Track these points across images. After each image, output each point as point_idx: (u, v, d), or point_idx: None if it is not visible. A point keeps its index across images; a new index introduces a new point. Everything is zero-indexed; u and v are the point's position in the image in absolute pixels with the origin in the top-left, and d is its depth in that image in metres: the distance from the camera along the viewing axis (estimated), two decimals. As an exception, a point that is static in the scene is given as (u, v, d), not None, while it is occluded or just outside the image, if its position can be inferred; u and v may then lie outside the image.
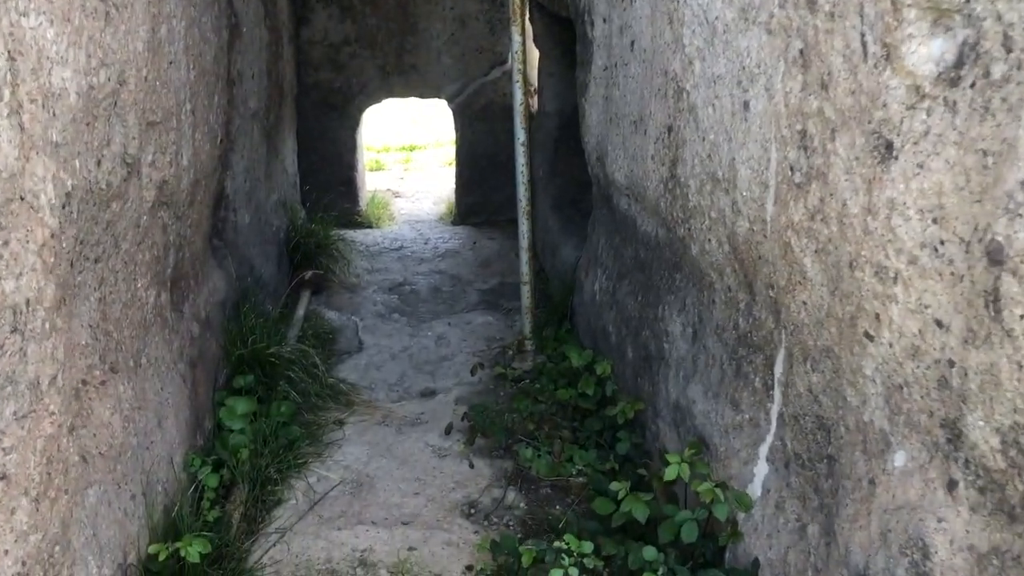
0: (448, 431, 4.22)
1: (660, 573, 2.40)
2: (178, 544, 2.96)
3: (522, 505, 3.75)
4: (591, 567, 2.49)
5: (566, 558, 2.48)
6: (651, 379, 3.58)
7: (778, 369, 2.60)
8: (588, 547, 2.52)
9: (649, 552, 2.49)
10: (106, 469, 2.85)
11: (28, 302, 2.07)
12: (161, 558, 2.89)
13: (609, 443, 3.87)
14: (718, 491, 2.59)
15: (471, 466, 3.93)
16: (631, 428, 3.69)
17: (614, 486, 2.94)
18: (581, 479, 3.89)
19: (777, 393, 2.61)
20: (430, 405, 4.58)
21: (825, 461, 2.33)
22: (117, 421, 3.00)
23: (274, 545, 3.50)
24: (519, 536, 3.55)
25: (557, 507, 3.75)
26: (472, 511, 3.71)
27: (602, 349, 4.32)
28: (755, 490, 2.68)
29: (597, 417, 4.00)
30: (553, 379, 4.52)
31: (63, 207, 2.50)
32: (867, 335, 2.02)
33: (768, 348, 2.65)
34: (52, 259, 2.21)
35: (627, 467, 3.60)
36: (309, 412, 4.42)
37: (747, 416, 2.79)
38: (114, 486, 2.88)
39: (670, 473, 2.76)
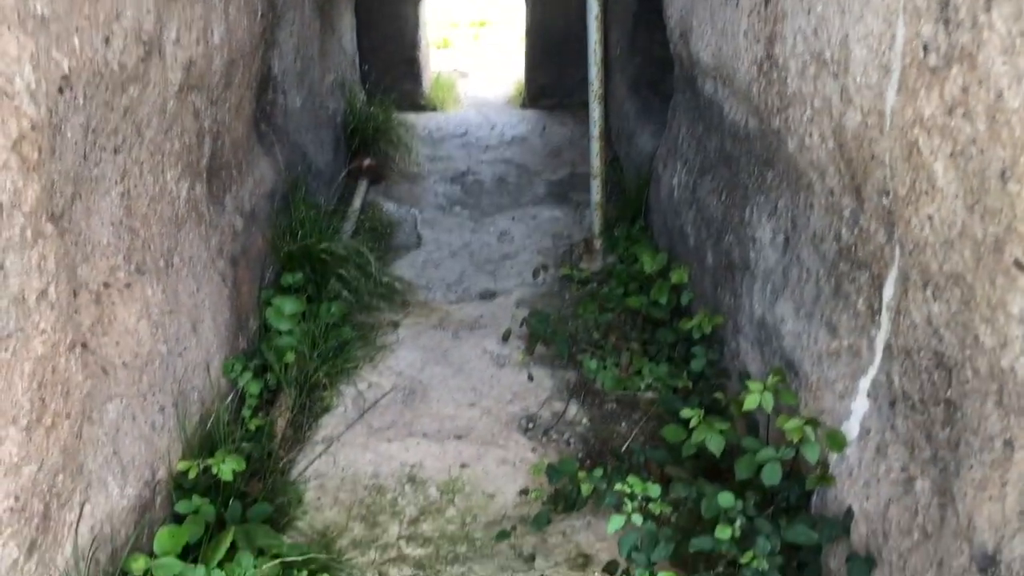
0: (507, 337, 3.92)
1: (738, 525, 2.09)
2: (210, 461, 2.76)
3: (584, 421, 3.46)
4: (657, 513, 2.19)
5: (629, 503, 2.18)
6: (733, 290, 3.19)
7: (888, 292, 2.19)
8: (655, 490, 2.21)
9: (725, 499, 2.17)
10: (130, 381, 2.63)
11: (1, 206, 1.77)
12: (191, 476, 2.70)
13: (682, 357, 3.52)
14: (808, 429, 2.23)
15: (530, 378, 3.64)
16: (708, 343, 3.33)
17: (686, 413, 2.60)
18: (649, 394, 3.57)
19: (885, 320, 2.21)
20: (489, 308, 4.28)
21: (942, 406, 1.94)
22: (144, 327, 2.76)
23: (319, 456, 3.29)
24: (580, 455, 3.28)
25: (623, 424, 3.45)
26: (530, 426, 3.43)
27: (678, 252, 3.91)
28: (851, 429, 2.31)
29: (670, 328, 3.64)
30: (623, 283, 4.15)
31: (60, 92, 2.19)
32: (1018, 264, 1.59)
33: (876, 266, 2.23)
34: (35, 155, 1.90)
35: (701, 386, 3.26)
36: (362, 313, 4.16)
37: (846, 343, 2.39)
38: (139, 399, 2.67)
39: (749, 402, 2.41)
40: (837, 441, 2.23)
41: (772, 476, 2.28)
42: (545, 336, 3.67)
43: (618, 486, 2.22)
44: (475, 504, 3.05)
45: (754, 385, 2.44)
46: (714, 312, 3.31)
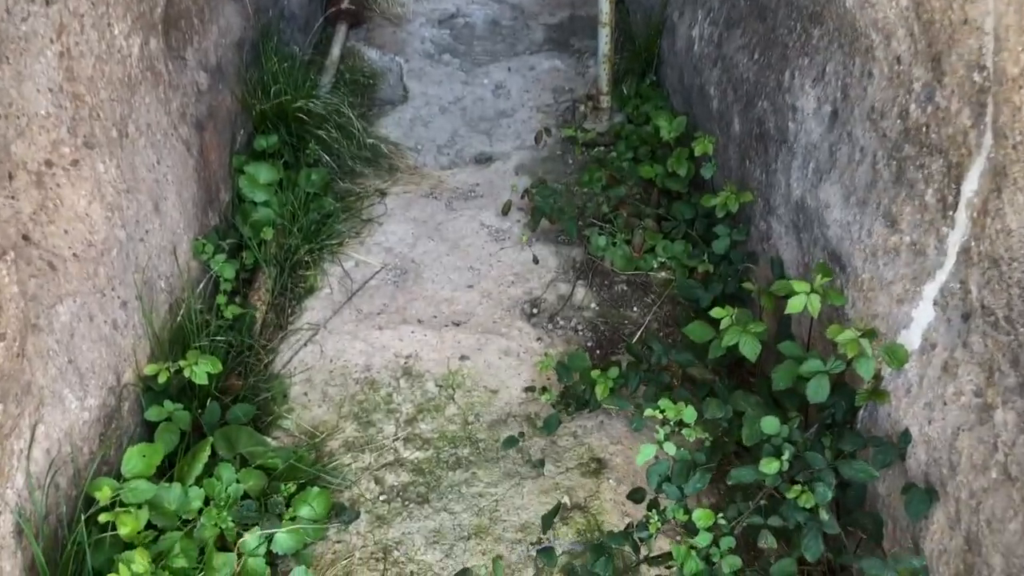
0: (506, 211, 3.57)
1: (786, 457, 1.83)
2: (181, 363, 2.46)
3: (593, 305, 3.18)
4: (691, 439, 1.93)
5: (660, 430, 1.92)
6: (765, 165, 2.83)
7: (969, 186, 1.85)
8: (690, 414, 1.95)
9: (769, 424, 1.91)
10: (83, 275, 2.30)
11: None
12: (161, 380, 2.41)
13: (701, 236, 3.20)
14: (864, 343, 1.95)
15: (536, 261, 3.32)
16: (732, 222, 3.00)
17: (717, 313, 2.31)
18: (663, 275, 3.28)
19: (962, 217, 1.89)
20: (486, 174, 3.90)
21: (1036, 328, 1.66)
22: (97, 211, 2.40)
23: (304, 345, 3.01)
24: (589, 345, 3.01)
25: (634, 308, 3.17)
26: (534, 311, 3.15)
27: (697, 115, 3.52)
28: (910, 339, 2.03)
29: (688, 203, 3.30)
30: (633, 147, 3.77)
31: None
32: None
33: (956, 153, 1.88)
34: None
35: (724, 270, 2.96)
36: (344, 179, 3.78)
37: (908, 239, 2.08)
38: (96, 295, 2.34)
39: (793, 306, 2.12)
40: (898, 356, 1.95)
41: (819, 393, 2.01)
42: (550, 213, 3.32)
43: (648, 411, 1.95)
44: (477, 401, 2.80)
45: (799, 285, 2.13)
46: (740, 187, 2.97)
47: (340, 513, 2.45)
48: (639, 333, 3.02)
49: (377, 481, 2.55)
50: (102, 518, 1.99)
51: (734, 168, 3.11)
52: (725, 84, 3.22)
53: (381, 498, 2.51)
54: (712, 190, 3.17)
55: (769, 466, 1.82)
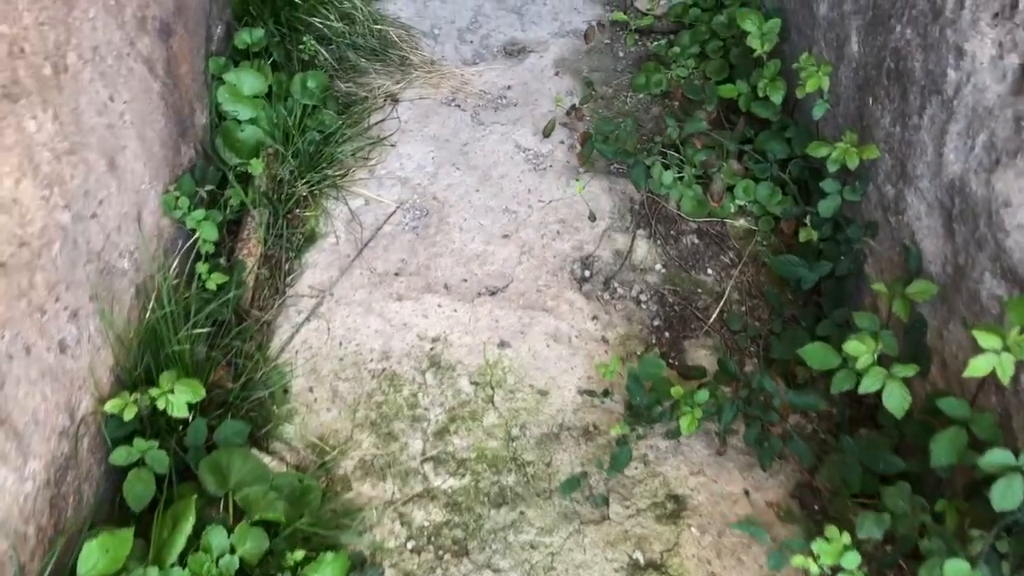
0: (548, 132, 2.90)
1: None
2: (152, 392, 1.91)
3: (658, 267, 2.59)
4: (847, 583, 1.43)
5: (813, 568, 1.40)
6: (901, 114, 2.17)
7: None
8: (851, 560, 1.42)
9: (956, 570, 1.41)
10: (13, 293, 1.70)
11: None
12: (127, 417, 1.87)
13: (796, 180, 2.57)
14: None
15: (592, 219, 2.68)
16: (845, 176, 2.37)
17: (853, 348, 1.75)
18: (742, 222, 2.68)
19: None
20: (519, 72, 3.17)
21: None
22: (29, 192, 1.78)
23: (308, 320, 2.45)
24: (656, 323, 2.46)
25: (709, 271, 2.59)
26: (586, 273, 2.56)
27: (792, 14, 2.78)
28: None
29: (779, 136, 2.64)
30: (700, 41, 3.06)
31: None
32: None
33: None
34: None
35: (828, 232, 2.36)
36: (346, 79, 3.07)
37: None
38: (33, 315, 1.76)
39: (978, 368, 1.56)
40: None
41: (1010, 499, 1.50)
42: (610, 155, 2.67)
43: (797, 561, 1.43)
44: (522, 406, 2.28)
45: (987, 338, 1.57)
46: (855, 128, 2.31)
47: (360, 568, 1.99)
48: (718, 309, 2.47)
49: (403, 521, 2.08)
50: (55, 656, 1.52)
51: (844, 99, 2.43)
52: (842, -15, 2.48)
53: (409, 546, 2.04)
54: (817, 130, 2.51)
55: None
